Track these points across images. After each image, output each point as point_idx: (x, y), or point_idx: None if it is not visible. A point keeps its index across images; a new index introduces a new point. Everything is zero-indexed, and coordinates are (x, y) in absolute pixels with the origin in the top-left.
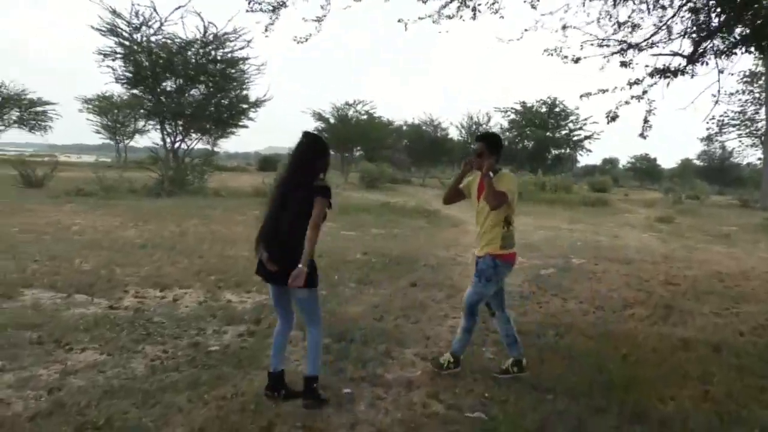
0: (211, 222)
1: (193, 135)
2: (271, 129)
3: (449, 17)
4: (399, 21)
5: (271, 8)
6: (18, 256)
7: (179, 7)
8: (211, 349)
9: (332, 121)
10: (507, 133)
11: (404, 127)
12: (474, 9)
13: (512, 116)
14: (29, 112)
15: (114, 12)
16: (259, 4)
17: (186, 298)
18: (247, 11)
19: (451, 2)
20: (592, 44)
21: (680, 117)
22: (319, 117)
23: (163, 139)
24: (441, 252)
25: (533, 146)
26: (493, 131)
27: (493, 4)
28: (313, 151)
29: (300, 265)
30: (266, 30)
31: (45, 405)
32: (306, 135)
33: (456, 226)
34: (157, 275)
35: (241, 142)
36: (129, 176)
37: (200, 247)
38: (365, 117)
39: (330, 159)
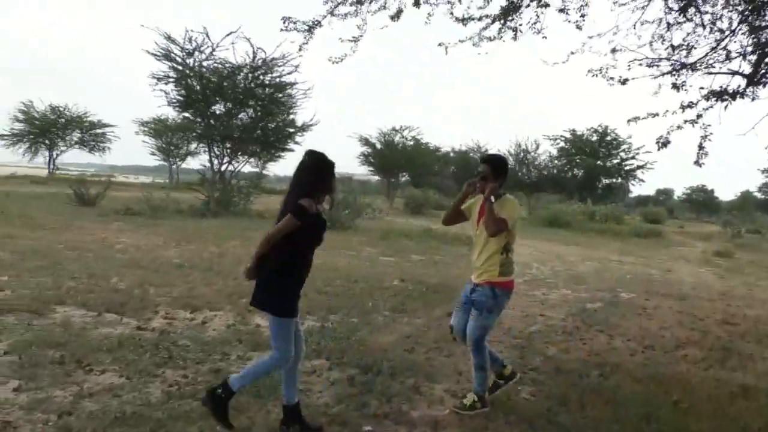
0: (251, 244)
1: (241, 157)
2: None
3: (490, 39)
4: (439, 45)
5: (306, 28)
6: (58, 272)
7: (230, 33)
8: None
9: (378, 146)
10: (556, 161)
11: (451, 154)
12: (515, 29)
13: (561, 144)
14: (89, 133)
15: (169, 38)
16: (294, 23)
17: (215, 320)
18: (282, 30)
19: (492, 24)
20: (640, 64)
21: (740, 143)
22: (366, 142)
23: (211, 161)
24: None
25: (583, 175)
26: (499, 154)
27: (535, 23)
28: (314, 169)
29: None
30: (300, 49)
31: (51, 431)
32: (309, 154)
33: None
34: (189, 296)
35: (292, 165)
36: (177, 197)
37: (237, 268)
38: (411, 143)
39: (334, 180)
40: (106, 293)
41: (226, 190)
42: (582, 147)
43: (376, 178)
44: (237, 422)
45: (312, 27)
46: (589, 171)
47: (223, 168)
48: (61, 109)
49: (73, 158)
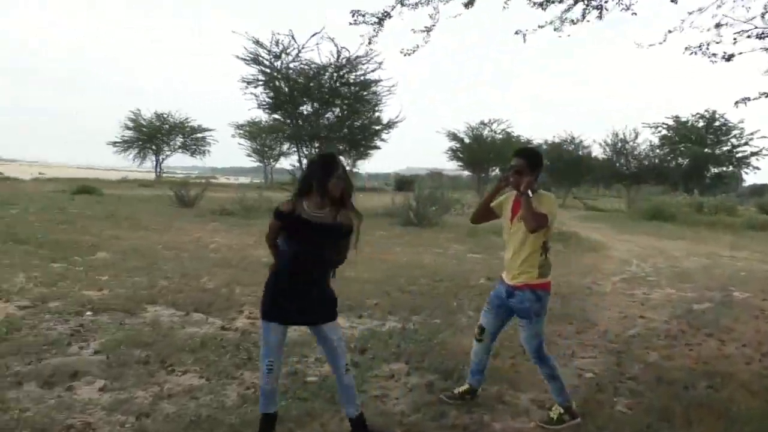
0: None
1: None
2: (409, 149)
3: (573, 22)
4: (516, 33)
5: (375, 20)
6: (153, 272)
7: (315, 34)
8: (309, 379)
9: (467, 140)
10: (657, 150)
11: (544, 146)
12: (600, 8)
13: (663, 132)
14: (191, 138)
15: (257, 42)
16: (363, 16)
17: None
18: (351, 24)
19: (575, 5)
20: (749, 36)
21: None
22: (454, 137)
23: (299, 161)
24: (575, 279)
25: (688, 164)
26: (533, 146)
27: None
28: (308, 166)
29: None
30: (370, 42)
31: None
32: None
33: (596, 251)
34: None
35: (382, 162)
36: (269, 196)
37: None
38: (500, 136)
39: (331, 180)
40: (196, 293)
41: None
42: (687, 134)
43: (467, 173)
44: (309, 428)
45: (381, 19)
46: (696, 159)
47: None
48: (165, 116)
49: (179, 162)
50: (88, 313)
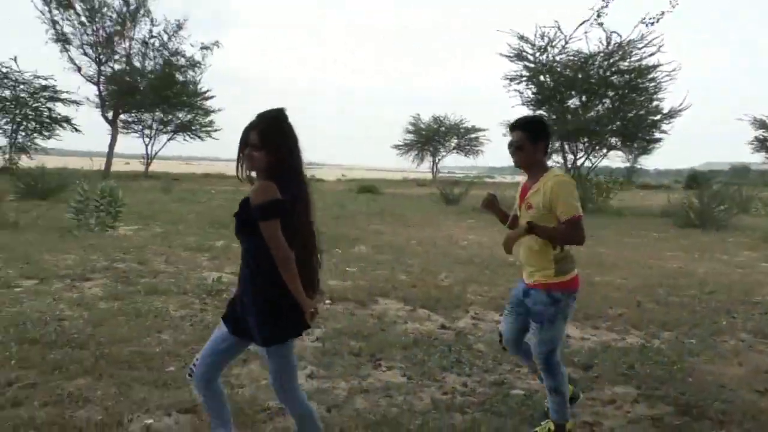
0: (596, 243)
1: (599, 151)
2: (709, 141)
3: None
4: None
5: None
6: (397, 266)
7: (584, 22)
8: (513, 392)
9: None
10: None
11: None
12: None
13: None
14: (465, 138)
15: (522, 37)
16: None
17: None
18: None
19: None
20: None
21: None
22: (761, 124)
23: (564, 157)
24: None
25: None
26: (534, 116)
27: None
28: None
29: None
30: (599, 16)
31: None
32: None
33: None
34: (505, 297)
35: (675, 157)
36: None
37: None
38: None
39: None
40: (428, 289)
41: (583, 187)
42: None
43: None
44: None
45: None
46: None
47: (578, 163)
48: (442, 118)
49: (458, 162)
50: (328, 302)
